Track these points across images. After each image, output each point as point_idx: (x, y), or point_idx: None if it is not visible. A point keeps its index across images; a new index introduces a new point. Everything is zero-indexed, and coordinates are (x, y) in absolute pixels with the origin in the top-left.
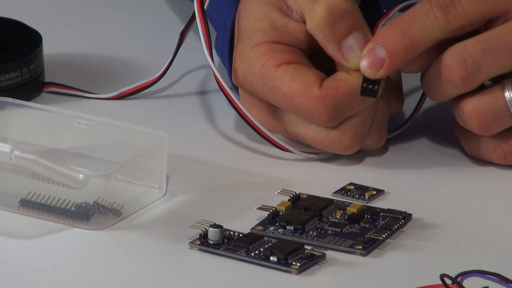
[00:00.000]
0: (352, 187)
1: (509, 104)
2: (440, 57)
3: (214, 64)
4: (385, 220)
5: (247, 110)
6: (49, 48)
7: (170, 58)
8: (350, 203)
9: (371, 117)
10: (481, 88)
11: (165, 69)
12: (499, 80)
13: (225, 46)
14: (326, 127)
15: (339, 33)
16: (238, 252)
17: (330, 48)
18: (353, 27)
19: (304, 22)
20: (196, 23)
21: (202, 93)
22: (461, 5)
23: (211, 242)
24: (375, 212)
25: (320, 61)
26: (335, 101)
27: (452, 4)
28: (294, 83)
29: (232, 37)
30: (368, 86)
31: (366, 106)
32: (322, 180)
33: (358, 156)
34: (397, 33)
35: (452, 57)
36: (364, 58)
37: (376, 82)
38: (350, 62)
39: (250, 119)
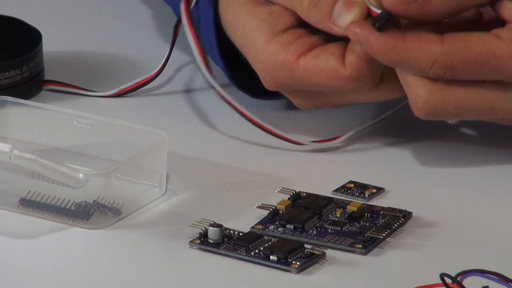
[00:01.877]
0: (352, 185)
1: None
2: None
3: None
4: (385, 219)
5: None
6: (49, 46)
7: (167, 52)
8: (350, 201)
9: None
10: None
11: (163, 63)
12: None
13: (213, 44)
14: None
15: (326, 11)
16: (238, 251)
17: (326, 27)
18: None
19: None
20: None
21: (203, 92)
22: None
23: (211, 241)
24: (375, 210)
25: None
26: (364, 71)
27: None
28: (321, 73)
29: (216, 33)
30: (379, 22)
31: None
32: (322, 178)
33: (358, 154)
34: None
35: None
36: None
37: (380, 18)
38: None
39: (251, 118)
